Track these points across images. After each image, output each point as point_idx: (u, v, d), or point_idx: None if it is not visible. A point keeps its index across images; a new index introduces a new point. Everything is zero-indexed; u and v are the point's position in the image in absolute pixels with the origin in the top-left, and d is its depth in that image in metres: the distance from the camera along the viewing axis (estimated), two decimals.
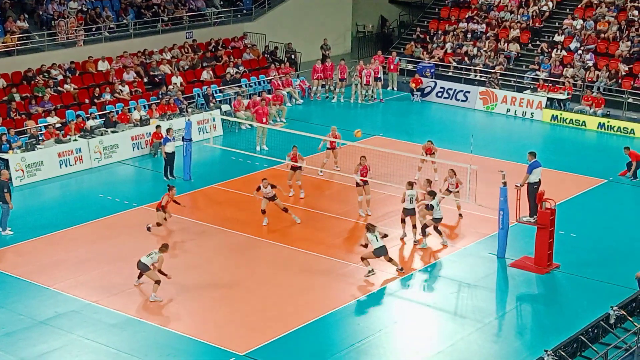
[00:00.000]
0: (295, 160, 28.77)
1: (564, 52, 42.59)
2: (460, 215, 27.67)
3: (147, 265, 22.08)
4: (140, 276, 22.66)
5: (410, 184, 25.66)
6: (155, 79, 38.44)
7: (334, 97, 41.74)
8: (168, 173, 30.73)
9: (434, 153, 29.73)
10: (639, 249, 25.60)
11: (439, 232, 25.56)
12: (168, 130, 31.16)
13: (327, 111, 40.04)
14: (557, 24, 45.21)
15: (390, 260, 23.48)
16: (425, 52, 45.77)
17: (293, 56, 44.64)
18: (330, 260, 24.39)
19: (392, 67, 43.59)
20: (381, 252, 23.16)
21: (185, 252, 24.78)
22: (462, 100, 41.75)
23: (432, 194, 25.24)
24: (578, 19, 44.21)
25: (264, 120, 34.05)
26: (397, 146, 32.17)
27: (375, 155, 30.07)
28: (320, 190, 29.95)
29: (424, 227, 25.33)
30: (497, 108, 40.76)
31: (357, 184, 27.45)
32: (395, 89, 43.60)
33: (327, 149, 31.04)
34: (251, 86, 40.12)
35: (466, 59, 44.40)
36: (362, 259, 23.46)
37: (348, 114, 39.94)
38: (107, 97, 35.65)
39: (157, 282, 22.05)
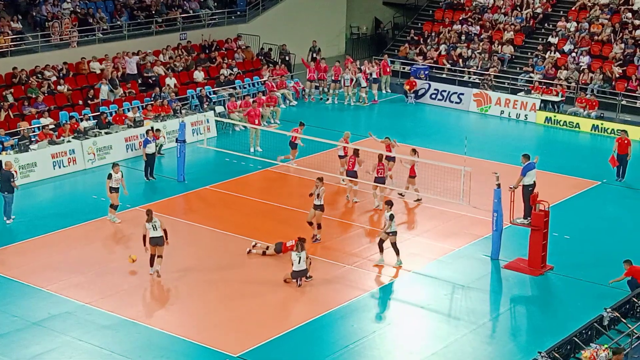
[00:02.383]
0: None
1: (557, 54, 42.66)
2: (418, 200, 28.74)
3: (162, 237, 23.00)
4: (152, 261, 23.16)
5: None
6: (149, 80, 38.41)
7: (327, 99, 41.73)
8: (148, 174, 30.74)
9: (393, 159, 29.83)
10: (633, 251, 25.57)
11: (396, 251, 24.21)
12: (147, 131, 31.12)
13: (321, 113, 40.03)
14: (550, 26, 45.29)
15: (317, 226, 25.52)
16: (419, 54, 45.79)
17: (287, 58, 44.62)
18: (324, 262, 24.38)
19: (387, 70, 43.55)
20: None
21: (179, 254, 24.71)
22: (456, 102, 41.77)
23: (389, 204, 24.23)
24: (572, 21, 44.29)
25: (257, 121, 33.98)
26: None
27: (369, 157, 30.07)
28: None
29: (381, 241, 24.38)
30: (491, 110, 40.81)
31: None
32: (389, 90, 43.59)
33: (341, 157, 30.25)
34: (245, 87, 40.12)
35: (460, 61, 44.45)
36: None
37: (342, 115, 39.95)
38: (105, 88, 35.62)
39: (161, 256, 23.15)
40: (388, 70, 43.56)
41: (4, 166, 27.12)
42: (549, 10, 45.93)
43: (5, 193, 26.68)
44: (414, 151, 28.53)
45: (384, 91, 43.25)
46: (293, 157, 31.25)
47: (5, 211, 26.71)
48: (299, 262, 22.76)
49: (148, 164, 30.74)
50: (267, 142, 33.62)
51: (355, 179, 28.65)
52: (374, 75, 41.92)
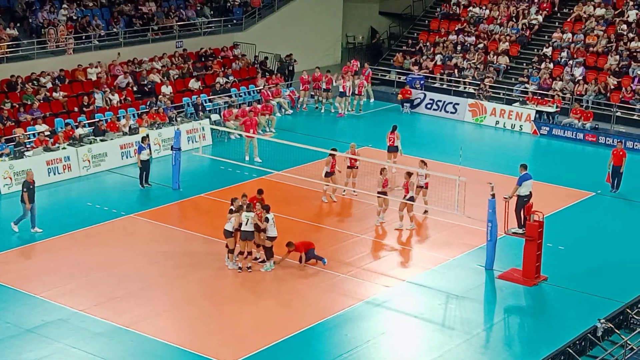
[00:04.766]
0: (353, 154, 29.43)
1: (552, 65, 42.76)
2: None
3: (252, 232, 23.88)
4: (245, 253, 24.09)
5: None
6: (145, 88, 38.41)
7: (322, 108, 41.70)
8: (143, 181, 30.74)
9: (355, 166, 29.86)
10: (627, 262, 25.69)
11: (269, 255, 24.28)
12: (143, 138, 31.10)
13: (316, 122, 40.06)
14: (546, 37, 45.42)
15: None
16: (414, 64, 45.88)
17: (291, 67, 44.63)
18: (318, 271, 24.38)
19: (366, 79, 43.24)
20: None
21: (173, 262, 24.71)
22: (452, 112, 41.84)
23: (266, 208, 24.14)
24: (567, 33, 44.43)
25: (252, 131, 33.81)
26: (386, 157, 32.20)
27: (364, 166, 30.15)
28: (319, 201, 29.83)
29: (266, 248, 24.32)
30: (486, 120, 40.87)
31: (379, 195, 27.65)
32: (371, 100, 43.36)
33: (348, 167, 29.91)
34: (240, 96, 40.15)
35: (456, 71, 44.53)
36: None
37: (337, 125, 39.96)
38: (99, 96, 35.65)
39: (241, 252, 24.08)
40: (364, 77, 43.11)
41: (27, 178, 26.62)
42: (552, 9, 46.23)
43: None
44: (423, 162, 28.42)
45: (370, 100, 43.07)
46: (394, 158, 31.90)
47: (29, 220, 26.48)
48: (246, 223, 23.58)
49: (143, 171, 30.72)
50: (263, 151, 33.57)
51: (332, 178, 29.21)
52: (340, 89, 41.27)
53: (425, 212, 28.62)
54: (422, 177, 28.15)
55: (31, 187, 26.32)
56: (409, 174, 27.04)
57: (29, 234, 26.29)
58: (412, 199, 27.00)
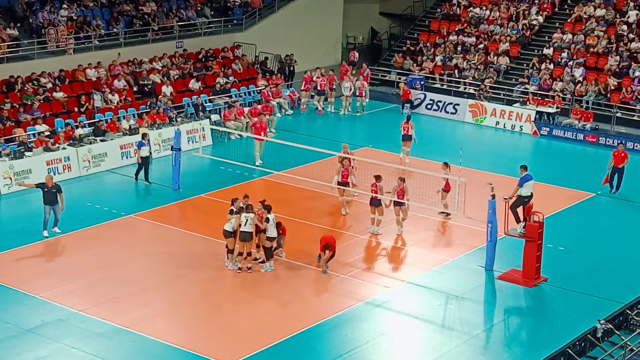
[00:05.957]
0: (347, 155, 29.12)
1: (552, 66, 42.75)
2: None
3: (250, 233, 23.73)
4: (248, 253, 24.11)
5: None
6: (145, 88, 38.41)
7: (322, 108, 41.66)
8: (144, 177, 30.76)
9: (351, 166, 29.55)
10: (627, 262, 25.68)
11: (269, 256, 24.31)
12: (143, 135, 31.10)
13: (316, 122, 40.05)
14: (546, 37, 45.42)
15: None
16: (415, 64, 45.89)
17: (292, 67, 44.62)
18: (318, 272, 24.37)
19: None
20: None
21: (173, 262, 24.70)
22: (452, 113, 41.84)
23: (267, 208, 24.10)
24: (567, 33, 44.43)
25: (262, 134, 33.58)
26: (387, 158, 32.21)
27: (364, 166, 30.12)
28: (319, 202, 29.84)
29: (266, 249, 24.28)
30: (486, 121, 40.87)
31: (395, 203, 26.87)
32: (367, 99, 43.22)
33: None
34: (241, 96, 40.13)
35: (456, 71, 44.52)
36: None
37: (338, 125, 39.96)
38: (98, 97, 35.64)
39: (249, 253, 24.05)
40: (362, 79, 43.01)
41: (44, 180, 26.53)
42: (553, 9, 46.26)
43: (43, 205, 26.29)
44: (446, 165, 28.30)
45: (364, 101, 42.83)
46: (407, 147, 33.62)
47: (42, 222, 26.35)
48: (245, 224, 23.51)
49: (141, 166, 30.74)
50: (263, 151, 33.52)
51: (347, 188, 28.78)
52: (319, 88, 41.40)
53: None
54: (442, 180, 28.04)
55: (46, 190, 26.11)
56: (402, 180, 26.90)
57: (28, 235, 26.26)
58: (378, 202, 26.83)
